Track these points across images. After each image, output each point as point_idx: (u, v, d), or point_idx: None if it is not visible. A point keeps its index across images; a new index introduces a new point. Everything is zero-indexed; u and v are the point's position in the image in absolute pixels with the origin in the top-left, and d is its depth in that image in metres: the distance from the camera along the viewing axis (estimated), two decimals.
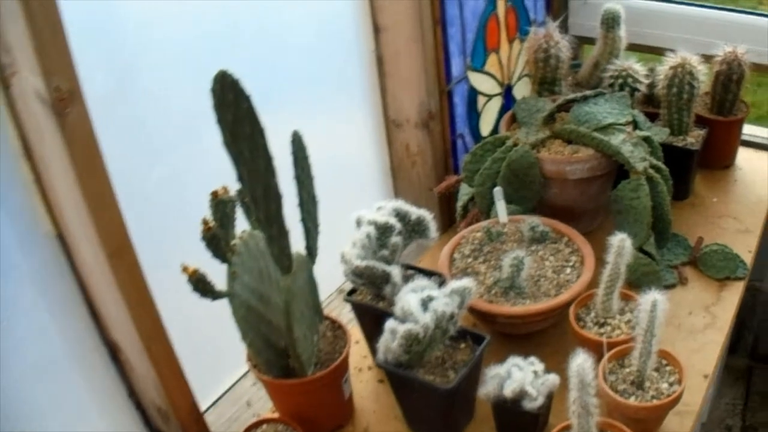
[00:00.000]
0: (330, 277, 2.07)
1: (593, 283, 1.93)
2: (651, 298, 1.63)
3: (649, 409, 1.67)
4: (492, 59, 2.61)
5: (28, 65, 1.29)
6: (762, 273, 2.94)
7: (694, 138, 2.51)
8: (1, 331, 1.44)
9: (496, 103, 2.70)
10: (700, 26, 2.80)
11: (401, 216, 1.92)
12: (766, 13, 2.77)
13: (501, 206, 2.13)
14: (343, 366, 1.81)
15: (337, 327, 1.88)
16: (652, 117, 2.53)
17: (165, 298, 1.65)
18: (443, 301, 1.64)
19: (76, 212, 1.45)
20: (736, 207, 2.52)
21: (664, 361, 1.75)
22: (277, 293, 1.63)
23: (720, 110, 2.60)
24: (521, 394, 1.65)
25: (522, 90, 2.82)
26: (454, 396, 1.68)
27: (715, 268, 2.22)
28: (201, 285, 1.57)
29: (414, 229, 1.94)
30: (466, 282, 1.70)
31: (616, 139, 2.17)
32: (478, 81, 2.57)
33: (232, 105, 1.33)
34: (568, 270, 2.01)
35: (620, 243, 1.79)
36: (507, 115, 2.47)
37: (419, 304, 1.64)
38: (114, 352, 1.68)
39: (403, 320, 1.64)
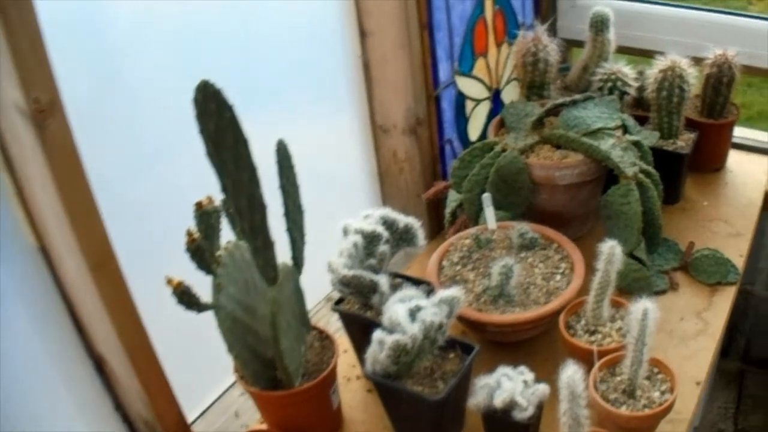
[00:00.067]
0: (318, 285, 2.05)
1: (583, 290, 1.91)
2: (642, 306, 1.61)
3: (640, 419, 1.65)
4: (480, 63, 2.59)
5: (7, 77, 1.27)
6: (754, 276, 2.93)
7: (684, 141, 2.49)
8: None
9: (484, 108, 2.69)
10: (690, 28, 2.79)
11: (389, 224, 1.90)
12: (756, 14, 2.76)
13: (490, 213, 2.11)
14: (331, 377, 1.79)
15: (324, 337, 1.86)
16: (642, 120, 2.51)
17: (151, 309, 1.64)
18: (431, 311, 1.62)
19: (57, 225, 1.43)
20: (727, 210, 2.51)
21: (656, 369, 1.73)
22: (264, 304, 1.61)
23: (710, 113, 2.59)
24: (511, 405, 1.63)
25: (510, 94, 2.81)
26: (444, 407, 1.66)
27: (706, 273, 2.20)
28: (186, 297, 1.55)
29: (402, 237, 1.93)
30: (455, 291, 1.67)
31: (605, 144, 2.16)
32: (466, 85, 2.55)
33: (215, 115, 1.31)
34: (558, 277, 1.99)
35: (610, 250, 1.78)
36: (495, 120, 2.45)
37: (407, 314, 1.61)
38: (99, 365, 1.66)
39: (390, 331, 1.61)
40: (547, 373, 1.69)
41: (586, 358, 1.70)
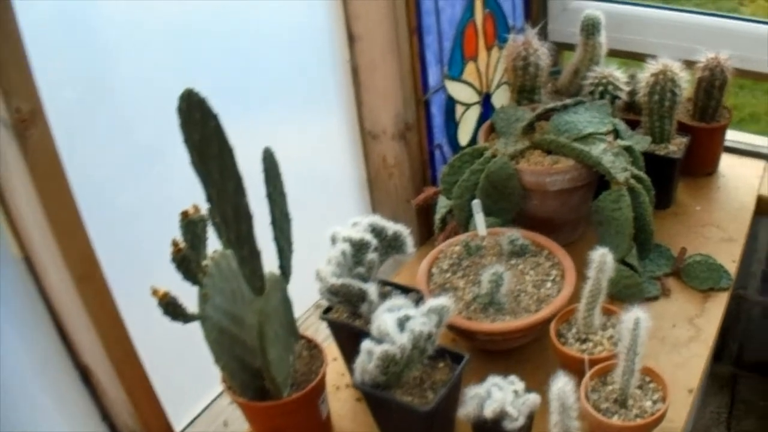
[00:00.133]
0: (308, 292, 2.03)
1: (574, 297, 1.90)
2: (633, 316, 1.60)
3: (632, 429, 1.63)
4: (470, 68, 2.58)
5: None
6: (746, 280, 2.92)
7: (676, 146, 2.48)
8: None
9: (474, 112, 2.67)
10: (682, 31, 2.78)
11: (377, 232, 1.88)
12: (748, 17, 2.75)
13: (479, 219, 2.10)
14: (320, 387, 1.77)
15: (313, 346, 1.85)
16: (634, 124, 2.50)
17: (139, 317, 1.62)
18: (420, 320, 1.61)
19: (41, 236, 1.42)
20: (720, 215, 2.49)
21: (648, 378, 1.72)
22: (252, 313, 1.60)
23: (702, 117, 2.58)
24: (502, 415, 1.62)
25: (501, 98, 2.79)
26: (433, 417, 1.64)
27: (698, 279, 2.19)
28: (171, 308, 1.52)
29: (390, 245, 1.91)
30: (444, 300, 1.66)
31: (596, 149, 2.14)
32: (456, 90, 2.53)
33: (199, 124, 1.30)
34: (549, 284, 1.97)
35: (601, 258, 1.76)
36: (485, 125, 2.44)
37: (396, 324, 1.60)
38: (86, 375, 1.65)
39: (379, 341, 1.60)
40: (538, 381, 1.68)
41: (577, 367, 1.69)
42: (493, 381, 1.67)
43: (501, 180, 2.18)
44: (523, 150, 2.25)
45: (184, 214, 1.53)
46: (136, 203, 1.75)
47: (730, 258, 2.28)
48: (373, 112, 2.37)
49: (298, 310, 1.79)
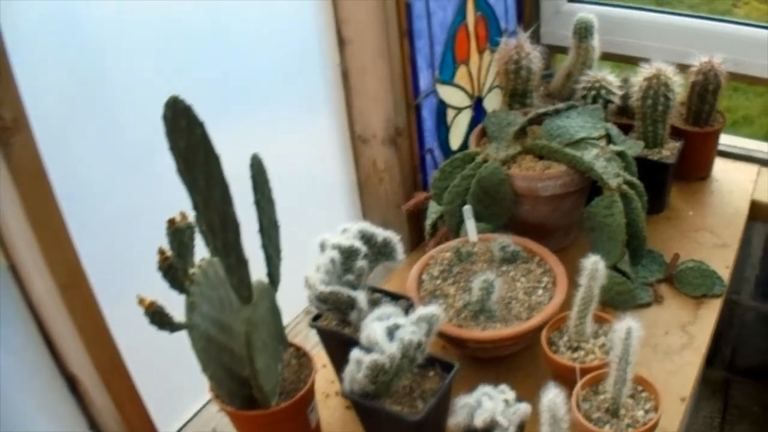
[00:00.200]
0: (298, 298, 2.01)
1: (566, 304, 1.88)
2: (625, 325, 1.58)
3: None
4: (461, 71, 2.56)
5: None
6: (740, 285, 2.91)
7: (669, 151, 2.46)
8: None
9: (466, 116, 2.66)
10: (675, 35, 2.77)
11: (367, 238, 1.87)
12: (742, 21, 2.74)
13: (470, 225, 2.08)
14: (309, 396, 1.75)
15: (302, 354, 1.82)
16: (626, 128, 2.49)
17: (125, 325, 1.61)
18: (410, 329, 1.59)
19: (26, 245, 1.40)
20: (713, 220, 2.48)
21: (640, 387, 1.70)
22: (239, 321, 1.58)
23: (696, 121, 2.56)
24: (492, 424, 1.60)
25: (493, 101, 2.78)
26: (423, 427, 1.62)
27: (691, 286, 2.17)
28: (158, 317, 1.52)
29: (380, 252, 1.89)
30: (434, 309, 1.64)
31: (588, 155, 2.13)
32: (447, 94, 2.52)
33: (185, 132, 1.28)
34: (540, 291, 1.96)
35: (593, 266, 1.74)
36: (477, 130, 2.42)
37: (385, 333, 1.58)
38: (73, 385, 1.63)
39: (368, 350, 1.58)
40: (529, 389, 1.66)
41: (568, 376, 1.68)
42: (484, 390, 1.65)
43: (492, 185, 2.16)
44: (515, 155, 2.23)
45: (171, 222, 1.52)
46: (122, 210, 1.74)
47: (723, 264, 2.26)
48: (363, 116, 2.35)
49: (288, 315, 1.78)
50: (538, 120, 2.29)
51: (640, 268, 2.23)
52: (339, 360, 1.76)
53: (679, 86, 2.38)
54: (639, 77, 2.40)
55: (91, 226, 1.60)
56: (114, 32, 1.64)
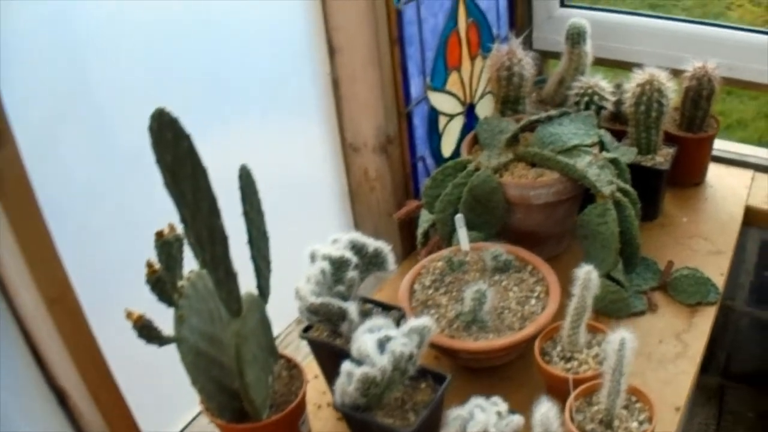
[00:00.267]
0: (289, 308, 2.00)
1: (559, 314, 1.86)
2: (619, 336, 1.57)
3: None
4: (453, 78, 2.55)
5: None
6: (734, 291, 2.90)
7: (663, 157, 2.45)
8: None
9: (458, 123, 2.64)
10: (669, 39, 2.77)
11: (358, 248, 1.85)
12: (736, 25, 2.73)
13: (462, 234, 2.07)
14: (300, 408, 1.73)
15: (293, 366, 1.81)
16: (620, 135, 2.47)
17: (113, 338, 1.59)
18: (401, 341, 1.57)
19: (12, 258, 1.39)
20: (707, 226, 2.47)
21: (634, 398, 1.69)
22: (229, 334, 1.57)
23: (690, 127, 2.55)
24: None
25: (485, 107, 2.76)
26: None
27: (686, 293, 2.16)
28: (146, 331, 1.50)
29: (371, 262, 1.88)
30: (425, 320, 1.63)
31: (581, 162, 2.11)
32: (439, 101, 2.50)
33: (171, 144, 1.27)
34: (533, 301, 1.94)
35: (586, 275, 1.73)
36: (469, 137, 2.40)
37: (376, 345, 1.56)
38: (62, 399, 1.61)
39: (359, 362, 1.57)
40: (522, 399, 1.65)
41: (562, 386, 1.66)
42: (476, 402, 1.63)
43: (484, 194, 2.14)
44: (507, 163, 2.21)
45: (159, 235, 1.51)
46: (109, 223, 1.72)
47: (718, 271, 2.25)
48: (354, 124, 2.34)
49: (279, 326, 1.77)
50: (531, 127, 2.28)
51: (633, 276, 2.21)
52: (330, 371, 1.75)
53: (672, 92, 2.37)
54: (632, 83, 2.39)
55: (79, 239, 1.59)
56: (101, 41, 1.62)
